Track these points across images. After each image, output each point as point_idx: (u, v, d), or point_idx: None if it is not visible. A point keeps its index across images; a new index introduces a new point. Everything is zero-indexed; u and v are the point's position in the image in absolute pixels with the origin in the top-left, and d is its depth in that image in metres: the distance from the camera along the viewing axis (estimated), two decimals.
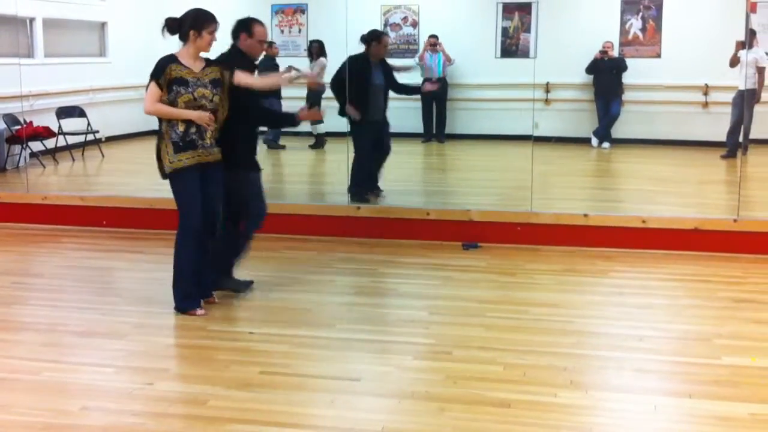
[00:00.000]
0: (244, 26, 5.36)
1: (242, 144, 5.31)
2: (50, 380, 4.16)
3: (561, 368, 4.26)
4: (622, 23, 12.65)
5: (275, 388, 4.05)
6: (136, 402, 3.89)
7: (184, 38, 5.03)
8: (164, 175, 5.11)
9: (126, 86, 12.92)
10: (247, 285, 5.54)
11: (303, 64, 11.95)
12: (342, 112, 7.83)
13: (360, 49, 7.75)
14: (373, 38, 7.78)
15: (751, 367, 4.30)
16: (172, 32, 5.06)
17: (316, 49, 11.53)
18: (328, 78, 11.11)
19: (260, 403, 3.88)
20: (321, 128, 11.54)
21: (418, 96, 10.68)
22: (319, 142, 11.68)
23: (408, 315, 5.17)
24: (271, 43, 11.67)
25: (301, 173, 9.70)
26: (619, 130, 12.36)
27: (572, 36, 12.45)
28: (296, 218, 7.14)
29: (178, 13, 5.10)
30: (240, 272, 5.62)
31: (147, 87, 4.96)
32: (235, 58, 5.27)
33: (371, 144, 7.81)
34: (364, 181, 7.86)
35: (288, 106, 11.37)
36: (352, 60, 7.74)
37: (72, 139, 10.98)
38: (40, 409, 3.81)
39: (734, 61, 10.38)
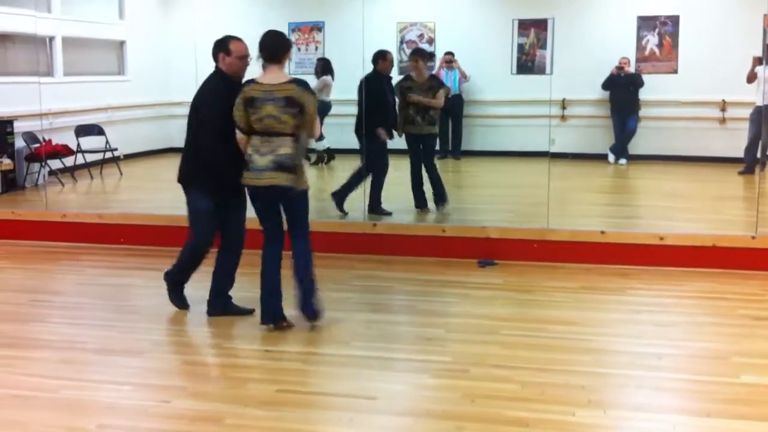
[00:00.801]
0: (221, 45, 5.28)
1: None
2: (68, 398, 4.18)
3: (579, 387, 4.24)
4: (639, 39, 12.63)
5: (292, 406, 4.05)
6: (153, 420, 3.90)
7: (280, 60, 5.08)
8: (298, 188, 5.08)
9: (144, 104, 13.07)
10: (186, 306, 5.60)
11: (311, 81, 12.00)
12: (359, 131, 7.95)
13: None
14: (378, 56, 8.01)
15: None
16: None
17: (320, 67, 11.54)
18: (331, 96, 11.25)
19: (277, 421, 3.88)
20: (323, 144, 11.50)
21: None
22: (320, 157, 11.71)
23: (424, 332, 5.16)
24: None
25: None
26: (635, 146, 12.32)
27: (588, 52, 12.44)
28: (312, 235, 7.13)
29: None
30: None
31: (312, 113, 4.98)
32: (216, 81, 5.25)
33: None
34: (379, 198, 8.01)
35: None
36: (367, 80, 7.95)
37: (90, 157, 11.07)
38: (58, 426, 3.83)
39: (751, 77, 10.34)
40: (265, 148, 4.95)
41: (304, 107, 4.94)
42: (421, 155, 8.21)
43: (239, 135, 5.04)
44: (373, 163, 7.96)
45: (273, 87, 4.95)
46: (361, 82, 7.97)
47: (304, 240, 5.19)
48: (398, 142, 8.29)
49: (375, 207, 7.97)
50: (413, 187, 8.25)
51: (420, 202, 8.25)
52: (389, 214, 7.94)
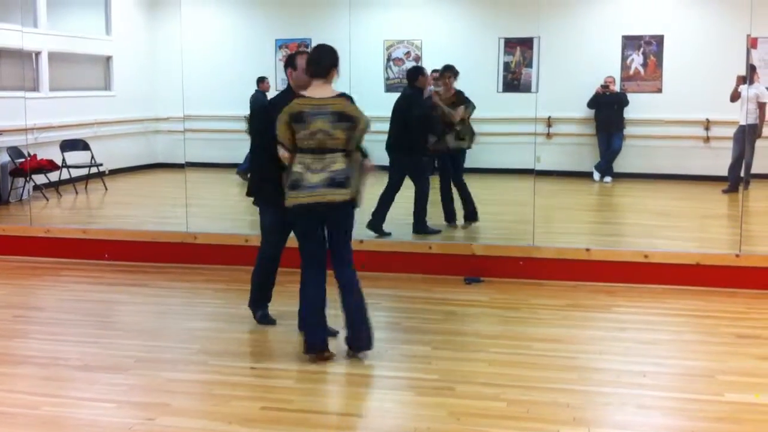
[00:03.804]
0: (289, 62, 5.28)
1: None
2: (50, 415, 4.14)
3: (564, 404, 4.24)
4: (624, 58, 12.73)
5: (277, 423, 4.03)
6: None
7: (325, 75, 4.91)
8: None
9: (130, 120, 13.04)
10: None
11: None
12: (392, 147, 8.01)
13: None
14: (418, 73, 8.13)
15: (754, 404, 4.27)
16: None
17: None
18: None
19: None
20: None
21: None
22: None
23: (410, 350, 5.15)
24: (263, 78, 11.72)
25: None
26: (620, 165, 12.39)
27: (574, 71, 12.53)
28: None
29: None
30: (250, 310, 5.60)
31: (364, 128, 4.90)
32: (288, 96, 5.12)
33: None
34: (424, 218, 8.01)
35: None
36: (408, 96, 8.02)
37: (75, 172, 11.03)
38: None
39: (735, 96, 10.43)
40: (318, 165, 4.81)
41: (356, 121, 4.84)
42: (450, 171, 8.33)
43: (283, 153, 4.88)
44: (416, 180, 7.97)
45: (322, 101, 4.82)
46: (399, 99, 8.05)
47: (351, 265, 5.07)
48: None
49: (421, 226, 7.90)
50: (444, 203, 8.33)
51: (449, 216, 8.33)
52: (438, 231, 7.93)
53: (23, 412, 4.16)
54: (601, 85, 12.39)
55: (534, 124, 11.01)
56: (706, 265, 6.64)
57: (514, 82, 13.10)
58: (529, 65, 12.98)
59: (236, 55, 13.26)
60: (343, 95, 4.90)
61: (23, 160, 9.99)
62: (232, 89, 12.35)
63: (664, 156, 12.26)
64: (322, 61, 4.89)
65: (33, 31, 10.94)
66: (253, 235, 7.45)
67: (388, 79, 13.04)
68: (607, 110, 12.32)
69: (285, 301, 5.86)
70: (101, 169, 11.35)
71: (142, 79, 13.30)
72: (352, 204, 4.91)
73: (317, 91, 4.86)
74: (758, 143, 10.31)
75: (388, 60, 13.28)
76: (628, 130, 12.46)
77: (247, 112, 11.73)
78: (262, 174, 5.28)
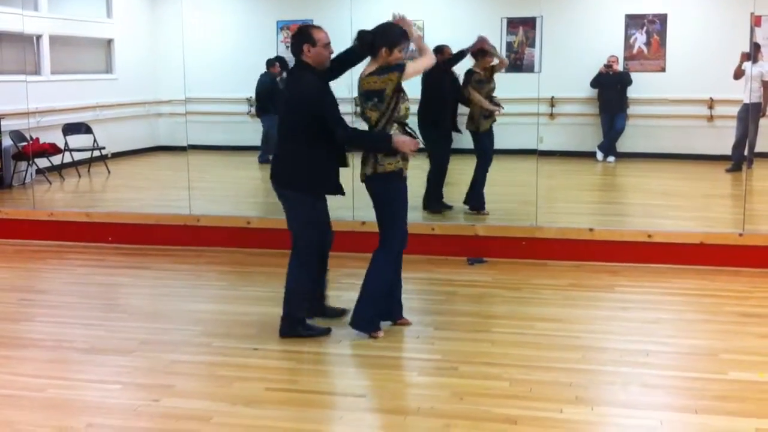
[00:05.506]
0: (304, 37, 4.84)
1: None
2: (56, 397, 4.16)
3: (567, 384, 4.25)
4: (627, 37, 12.66)
5: (280, 404, 4.05)
6: (142, 419, 3.89)
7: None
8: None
9: (132, 103, 13.03)
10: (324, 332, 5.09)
11: None
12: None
13: None
14: (436, 51, 8.07)
15: (757, 382, 4.28)
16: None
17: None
18: None
19: (265, 419, 3.87)
20: None
21: None
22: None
23: (414, 330, 5.16)
24: (273, 62, 11.65)
25: None
26: (623, 144, 12.35)
27: (577, 50, 12.46)
28: None
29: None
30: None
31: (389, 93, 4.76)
32: (313, 75, 4.84)
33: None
34: (440, 194, 8.20)
35: None
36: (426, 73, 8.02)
37: (78, 156, 11.02)
38: (46, 426, 3.81)
39: (738, 73, 10.36)
40: None
41: (383, 97, 4.71)
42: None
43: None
44: (433, 157, 8.17)
45: (360, 80, 4.83)
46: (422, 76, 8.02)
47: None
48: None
49: (434, 203, 8.05)
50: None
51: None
52: (450, 207, 8.13)
53: (29, 395, 4.18)
54: (604, 65, 12.33)
55: (537, 104, 10.97)
56: (710, 244, 6.63)
57: (516, 62, 13.04)
58: (532, 45, 12.92)
59: (238, 37, 13.21)
60: (382, 69, 4.75)
61: (26, 143, 9.99)
62: (233, 71, 12.32)
63: (667, 135, 12.22)
64: (374, 41, 4.83)
65: (34, 15, 10.92)
66: (255, 217, 7.51)
67: None
68: (610, 90, 12.27)
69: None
70: (104, 152, 11.34)
71: (143, 62, 13.27)
72: (373, 179, 4.88)
73: (364, 69, 4.86)
74: (762, 122, 10.28)
75: None
76: (632, 110, 12.40)
77: (249, 94, 11.73)
78: (322, 161, 4.90)
